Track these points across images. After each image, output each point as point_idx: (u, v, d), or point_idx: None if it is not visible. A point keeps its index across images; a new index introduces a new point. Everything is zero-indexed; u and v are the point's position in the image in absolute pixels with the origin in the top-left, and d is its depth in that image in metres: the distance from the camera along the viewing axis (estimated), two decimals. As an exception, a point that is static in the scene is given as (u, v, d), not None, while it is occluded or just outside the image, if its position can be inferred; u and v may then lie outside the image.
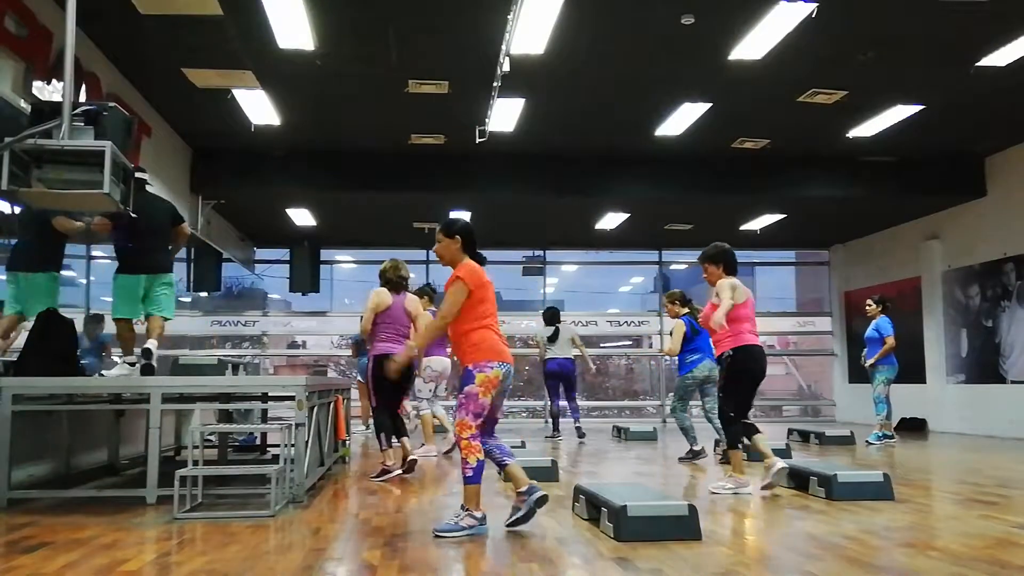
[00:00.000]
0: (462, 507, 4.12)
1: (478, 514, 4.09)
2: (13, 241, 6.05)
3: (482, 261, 4.44)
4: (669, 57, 7.96)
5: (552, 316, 10.69)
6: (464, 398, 4.12)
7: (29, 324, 5.85)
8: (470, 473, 4.09)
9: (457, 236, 4.42)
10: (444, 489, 5.90)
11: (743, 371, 5.51)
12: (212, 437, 7.22)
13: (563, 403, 10.61)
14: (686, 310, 7.80)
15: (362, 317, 6.79)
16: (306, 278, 14.29)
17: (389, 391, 6.39)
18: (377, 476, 6.33)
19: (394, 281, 6.62)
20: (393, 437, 6.50)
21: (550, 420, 10.68)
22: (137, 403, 5.61)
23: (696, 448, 7.67)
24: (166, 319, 6.01)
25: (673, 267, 16.80)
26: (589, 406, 19.76)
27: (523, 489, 4.16)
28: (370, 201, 12.00)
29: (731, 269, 5.72)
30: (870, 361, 9.65)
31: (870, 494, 5.13)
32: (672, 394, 8.29)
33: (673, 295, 8.06)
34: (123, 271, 5.95)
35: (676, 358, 7.90)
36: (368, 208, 12.61)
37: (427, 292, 8.57)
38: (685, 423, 7.72)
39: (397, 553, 3.69)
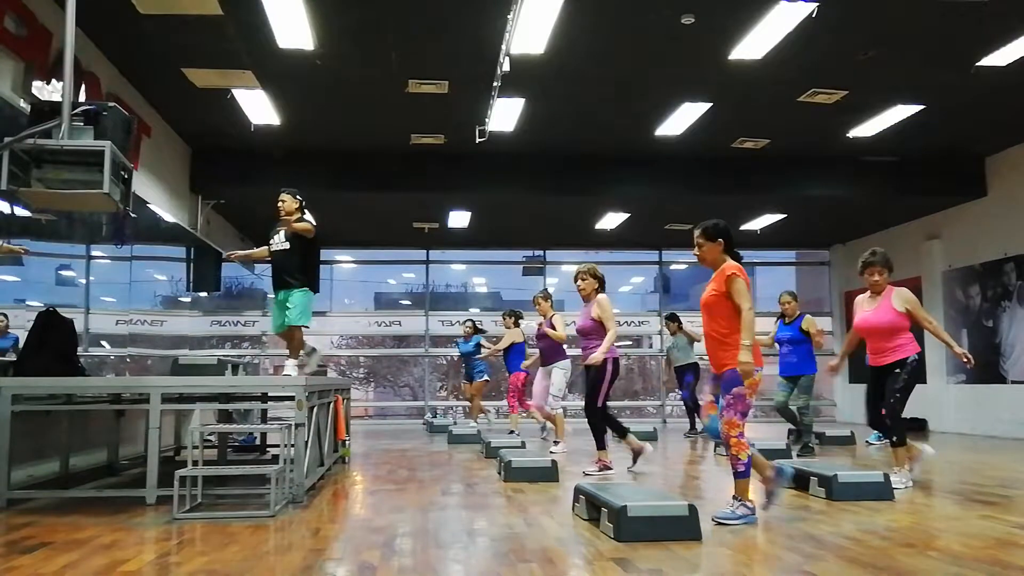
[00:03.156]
0: (735, 498, 4.36)
1: (750, 504, 4.35)
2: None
3: (739, 259, 4.60)
4: (669, 57, 7.96)
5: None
6: (732, 399, 4.34)
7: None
8: (741, 468, 4.34)
9: (720, 239, 4.59)
10: (443, 489, 5.89)
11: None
12: (212, 437, 7.21)
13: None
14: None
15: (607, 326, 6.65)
16: (306, 278, 14.26)
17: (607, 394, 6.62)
18: (597, 470, 6.55)
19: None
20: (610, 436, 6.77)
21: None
22: (137, 403, 5.61)
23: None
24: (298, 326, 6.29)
25: (673, 267, 16.78)
26: (589, 406, 19.58)
27: (769, 474, 4.48)
28: (370, 201, 12.01)
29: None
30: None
31: (870, 494, 5.13)
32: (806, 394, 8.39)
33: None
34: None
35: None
36: (368, 208, 12.61)
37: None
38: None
39: (397, 553, 3.68)
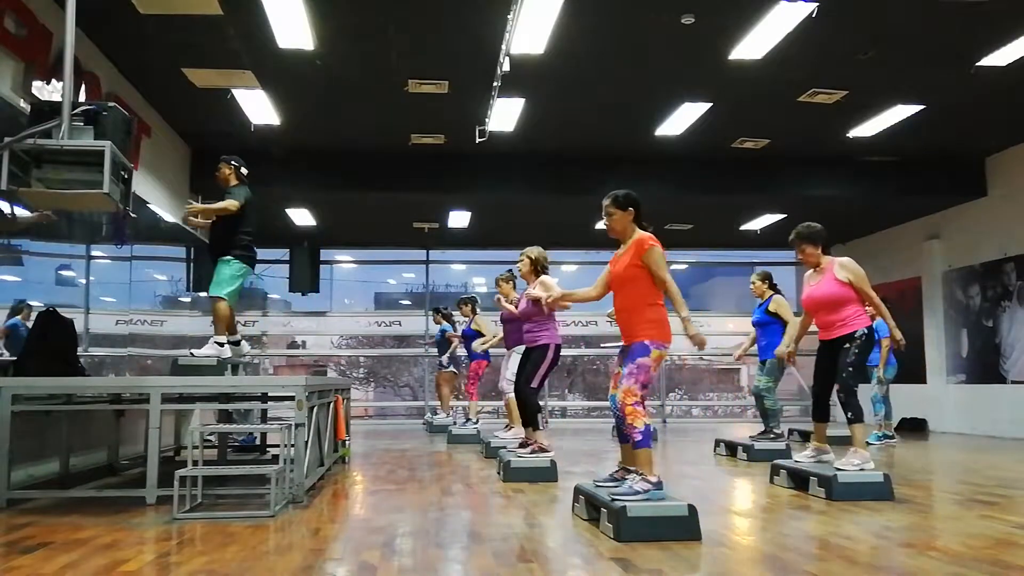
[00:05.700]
0: (636, 472, 4.19)
1: (652, 479, 4.13)
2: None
3: (647, 230, 4.48)
4: (669, 57, 7.96)
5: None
6: (636, 368, 4.22)
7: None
8: (639, 437, 4.18)
9: (630, 208, 4.45)
10: (443, 489, 5.90)
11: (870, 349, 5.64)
12: (212, 437, 7.21)
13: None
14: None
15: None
16: (306, 278, 14.30)
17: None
18: (529, 451, 6.48)
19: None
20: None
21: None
22: (137, 403, 5.61)
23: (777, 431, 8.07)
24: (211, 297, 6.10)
25: (673, 267, 16.79)
26: (588, 406, 19.71)
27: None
28: (370, 201, 12.00)
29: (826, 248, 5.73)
30: (879, 372, 9.62)
31: (870, 494, 5.14)
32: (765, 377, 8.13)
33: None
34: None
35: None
36: (368, 208, 12.61)
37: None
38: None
39: (397, 553, 3.69)
